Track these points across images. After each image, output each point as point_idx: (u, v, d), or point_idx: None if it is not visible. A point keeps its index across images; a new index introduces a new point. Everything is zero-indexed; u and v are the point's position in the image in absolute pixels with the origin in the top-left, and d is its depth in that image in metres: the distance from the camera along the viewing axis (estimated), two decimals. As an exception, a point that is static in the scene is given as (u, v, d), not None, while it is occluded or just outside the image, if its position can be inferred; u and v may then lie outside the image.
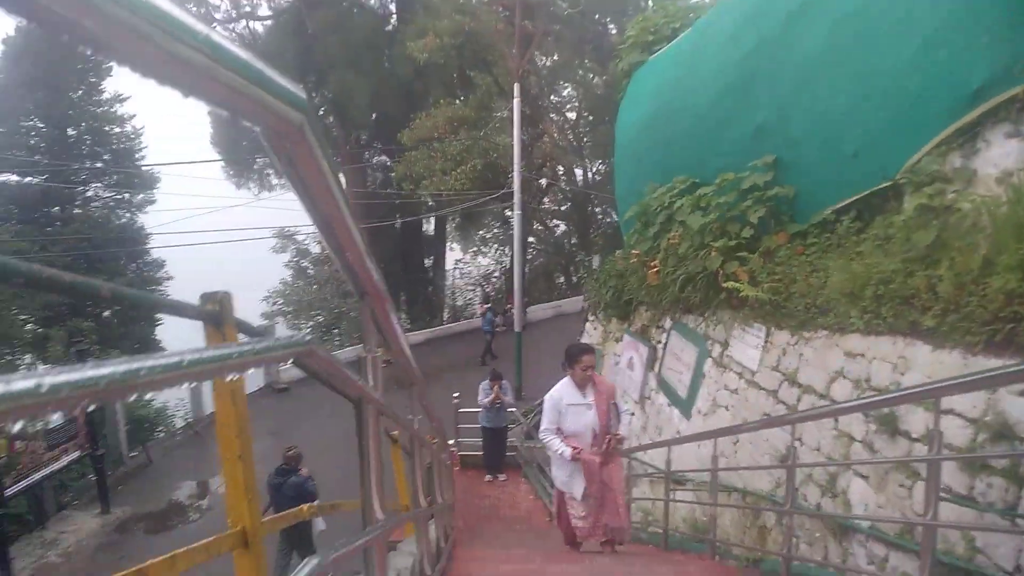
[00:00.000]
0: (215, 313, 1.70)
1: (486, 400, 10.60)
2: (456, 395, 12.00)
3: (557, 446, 4.77)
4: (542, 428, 4.94)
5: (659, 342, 7.98)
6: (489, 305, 19.64)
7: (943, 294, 3.56)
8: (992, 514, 2.96)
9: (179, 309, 1.56)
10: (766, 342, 5.47)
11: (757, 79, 6.24)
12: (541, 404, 14.64)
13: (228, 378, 0.86)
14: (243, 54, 0.67)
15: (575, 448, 4.68)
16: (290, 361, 1.10)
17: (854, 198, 5.10)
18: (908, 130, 4.58)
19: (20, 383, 0.43)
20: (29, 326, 18.34)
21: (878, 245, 4.44)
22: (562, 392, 4.89)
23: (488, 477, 11.45)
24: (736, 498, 5.54)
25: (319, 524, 6.94)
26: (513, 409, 11.49)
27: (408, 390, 3.29)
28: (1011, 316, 3.09)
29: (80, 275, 1.17)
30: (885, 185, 4.74)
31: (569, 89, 26.91)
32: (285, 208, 22.71)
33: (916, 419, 3.58)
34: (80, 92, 22.76)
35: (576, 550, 5.40)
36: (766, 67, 6.14)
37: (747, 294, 5.59)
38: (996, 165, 3.87)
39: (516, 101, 15.23)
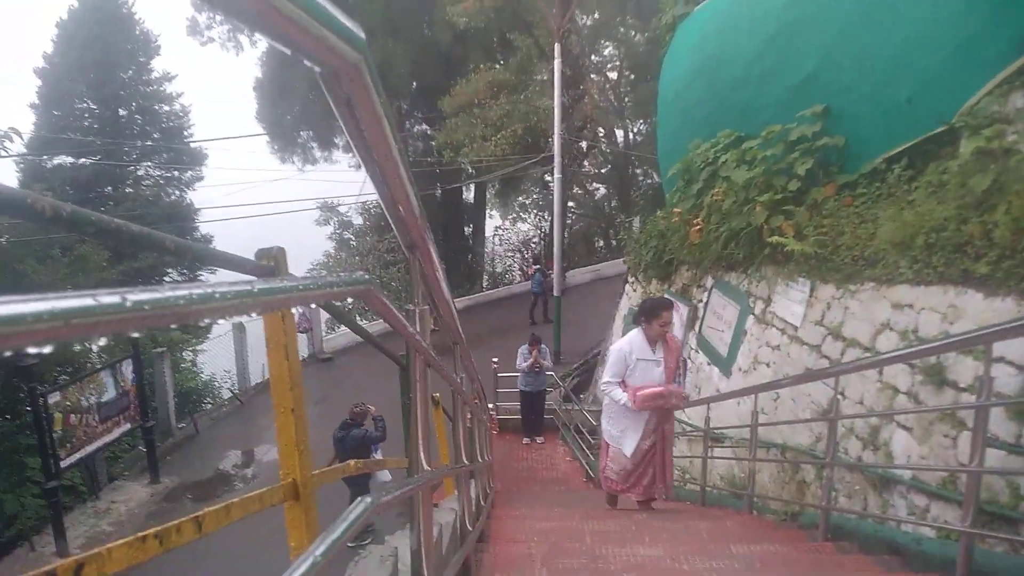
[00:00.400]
0: (270, 268, 1.73)
1: (525, 364, 10.65)
2: (495, 359, 12.08)
3: (621, 395, 4.69)
4: (604, 380, 4.85)
5: (700, 301, 7.87)
6: (539, 266, 19.54)
7: (999, 240, 3.41)
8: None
9: (236, 263, 1.59)
10: (811, 296, 5.34)
11: (803, 26, 6.00)
12: (583, 365, 14.91)
13: (293, 310, 0.87)
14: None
15: (653, 391, 4.61)
16: (349, 300, 1.11)
17: (907, 145, 4.91)
18: (965, 72, 4.37)
19: (107, 298, 0.44)
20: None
21: (931, 192, 4.27)
22: (632, 345, 4.78)
23: (526, 440, 11.57)
24: (775, 454, 5.48)
25: (385, 475, 7.34)
26: (551, 373, 11.52)
27: (452, 350, 3.30)
28: (1071, 259, 2.95)
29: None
30: (941, 130, 4.54)
31: (611, 48, 26.31)
32: (328, 180, 23.01)
33: (964, 368, 3.46)
34: (130, 72, 23.30)
35: (614, 507, 5.41)
36: (812, 14, 5.91)
37: (792, 248, 5.45)
38: (1060, 104, 3.66)
39: (557, 62, 14.96)
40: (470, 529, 3.01)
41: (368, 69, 0.89)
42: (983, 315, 3.41)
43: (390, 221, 1.57)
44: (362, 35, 0.82)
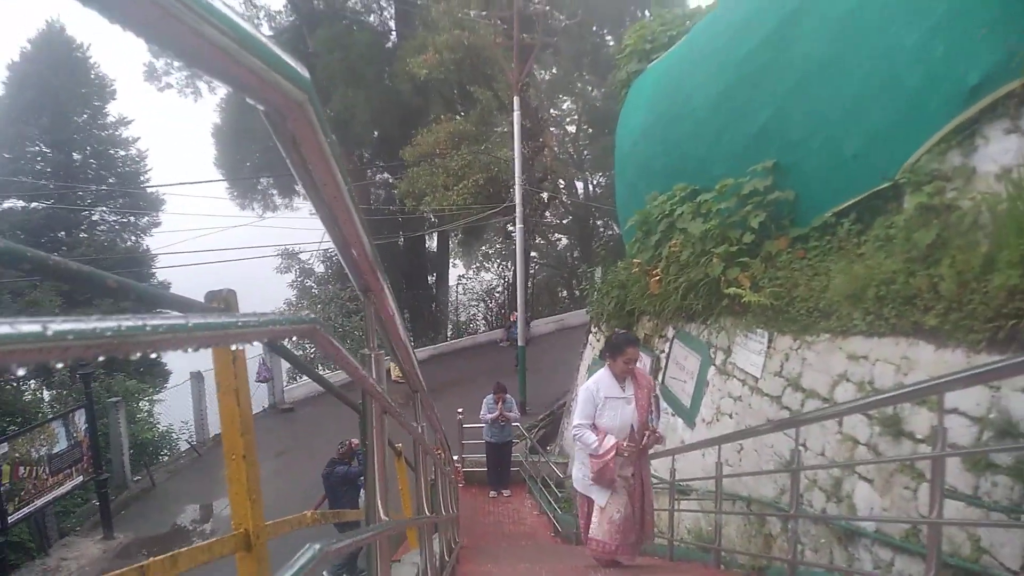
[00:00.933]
0: (220, 311, 1.68)
1: (490, 415, 10.52)
2: (460, 411, 11.93)
3: (592, 440, 4.41)
4: (575, 423, 4.58)
5: (662, 351, 7.92)
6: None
7: (945, 293, 3.52)
8: (998, 512, 2.90)
9: (184, 305, 1.54)
10: (769, 347, 5.41)
11: (755, 82, 6.22)
12: (549, 415, 14.80)
13: (233, 347, 0.84)
14: (248, 26, 0.66)
15: (617, 443, 4.33)
16: (293, 337, 1.08)
17: (854, 200, 5.07)
18: (907, 129, 4.55)
19: (27, 327, 0.43)
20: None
21: (879, 246, 4.41)
22: (599, 383, 4.53)
23: (492, 493, 11.36)
24: (741, 506, 5.46)
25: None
26: (517, 424, 11.41)
27: (413, 398, 3.23)
28: (1013, 312, 3.04)
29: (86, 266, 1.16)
30: (885, 185, 4.71)
31: (568, 102, 27.06)
32: (289, 227, 22.85)
33: (920, 419, 3.52)
34: (85, 116, 23.01)
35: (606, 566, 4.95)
36: (764, 70, 6.12)
37: (749, 300, 5.55)
38: (995, 161, 3.83)
39: (516, 114, 15.28)
40: (433, 589, 2.90)
41: (313, 107, 0.88)
42: (935, 366, 3.49)
43: (344, 264, 1.55)
44: (306, 74, 0.82)
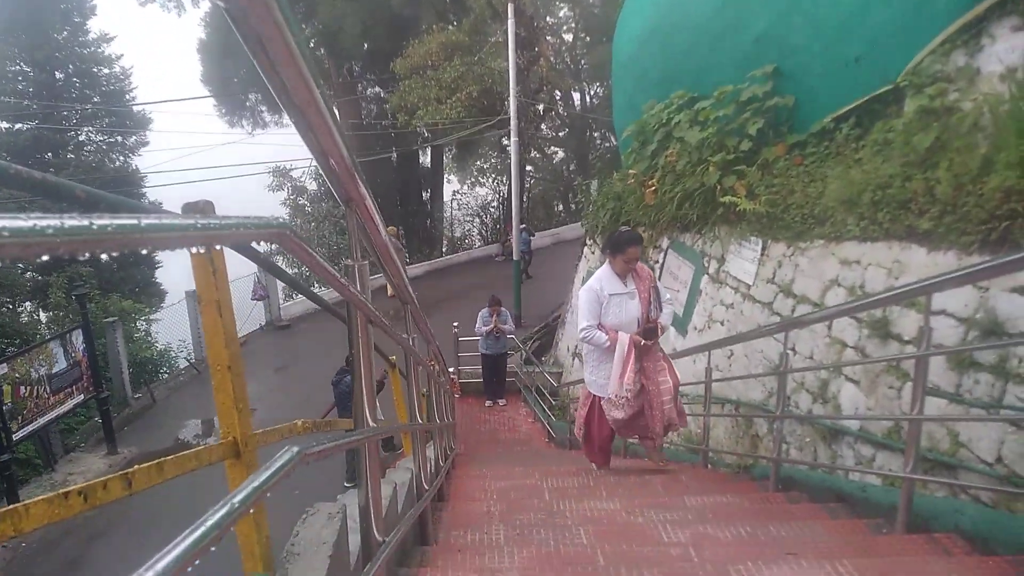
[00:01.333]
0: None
1: (484, 329, 10.66)
2: (455, 324, 12.07)
3: (603, 339, 4.39)
4: (581, 326, 4.49)
5: (656, 262, 7.95)
6: (524, 225, 19.77)
7: (941, 196, 3.50)
8: (978, 408, 2.99)
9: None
10: (762, 255, 5.43)
11: (757, -15, 5.98)
12: (543, 328, 14.99)
13: (194, 250, 0.82)
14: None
15: (633, 336, 4.35)
16: (263, 241, 1.05)
17: (854, 104, 4.97)
18: (911, 30, 4.41)
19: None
20: (29, 274, 18.26)
21: (877, 151, 4.35)
22: (602, 282, 4.47)
23: (488, 403, 11.66)
24: (730, 409, 5.62)
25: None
26: (512, 336, 11.58)
27: (403, 310, 3.24)
28: (1007, 213, 3.04)
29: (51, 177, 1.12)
30: (886, 89, 4.61)
31: (565, 9, 26.02)
32: (280, 144, 22.38)
33: (908, 321, 3.57)
34: (65, 33, 22.03)
35: (604, 464, 5.18)
36: (766, -29, 5.87)
37: (744, 207, 5.53)
38: (1001, 61, 3.73)
39: (511, 23, 14.70)
40: (426, 488, 3.02)
41: (278, 2, 0.84)
42: (926, 269, 3.51)
43: (323, 174, 1.51)
44: None
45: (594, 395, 4.75)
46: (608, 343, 4.38)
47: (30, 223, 0.48)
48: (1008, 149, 3.14)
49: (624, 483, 4.75)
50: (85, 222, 0.53)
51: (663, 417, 4.53)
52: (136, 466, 1.49)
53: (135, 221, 0.61)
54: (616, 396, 4.50)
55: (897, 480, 3.15)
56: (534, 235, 20.57)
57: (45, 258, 0.51)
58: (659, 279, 7.70)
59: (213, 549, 0.65)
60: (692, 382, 5.99)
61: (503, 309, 10.82)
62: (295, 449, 1.00)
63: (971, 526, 2.52)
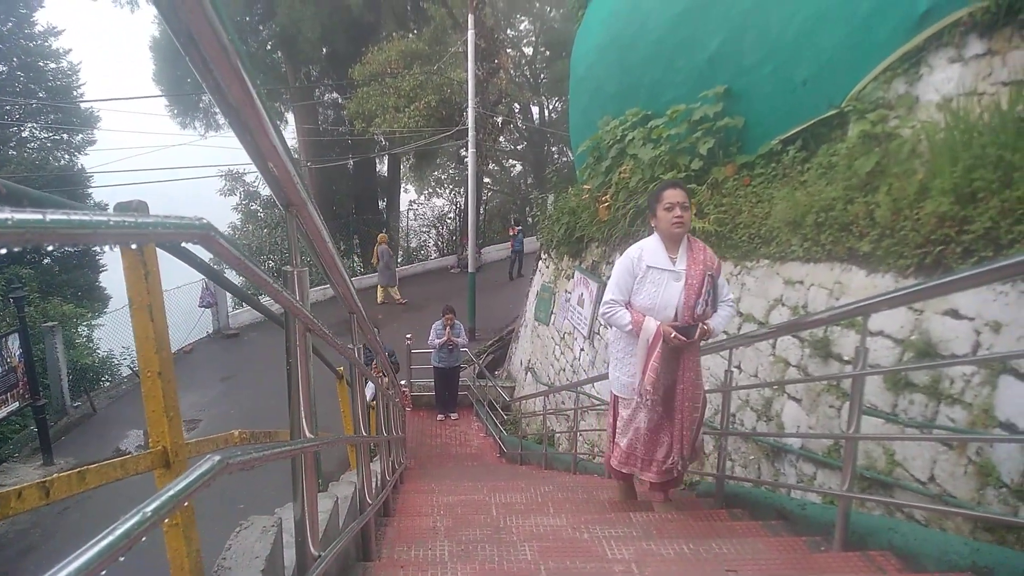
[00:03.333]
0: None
1: (438, 341, 10.57)
2: (408, 336, 11.96)
3: (626, 320, 3.49)
4: (605, 299, 3.62)
5: (607, 277, 8.00)
6: (520, 228, 20.45)
7: (880, 220, 3.59)
8: (912, 428, 3.06)
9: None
10: (710, 273, 5.50)
11: (710, 5, 6.10)
12: (498, 341, 14.96)
13: (108, 248, 0.79)
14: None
15: (662, 326, 3.39)
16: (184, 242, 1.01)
17: (801, 127, 5.09)
18: (856, 56, 4.55)
19: None
20: (-35, 275, 17.47)
21: (821, 173, 4.46)
22: (643, 250, 3.53)
23: (440, 416, 11.55)
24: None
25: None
26: (466, 349, 11.51)
27: (349, 320, 3.17)
28: (941, 238, 3.13)
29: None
30: (831, 113, 4.73)
31: (526, 23, 26.31)
32: (232, 148, 21.92)
33: (848, 341, 3.65)
34: (10, 24, 21.22)
35: (631, 498, 4.25)
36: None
37: (694, 226, 5.59)
38: (938, 91, 3.87)
39: (471, 33, 14.75)
40: (369, 502, 2.94)
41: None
42: (865, 291, 3.59)
43: (263, 177, 1.46)
44: None
45: (619, 397, 3.80)
46: (631, 326, 3.48)
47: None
48: (943, 176, 3.24)
49: (572, 499, 4.74)
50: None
51: (689, 439, 3.56)
52: (56, 474, 1.41)
53: (39, 216, 0.58)
54: (638, 394, 3.54)
55: (835, 498, 3.20)
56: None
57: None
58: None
59: (122, 559, 0.62)
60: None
61: (457, 322, 10.76)
62: (217, 457, 0.94)
63: (904, 543, 2.57)
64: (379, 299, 18.10)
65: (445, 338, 10.52)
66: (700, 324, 3.42)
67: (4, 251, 0.57)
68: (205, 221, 0.99)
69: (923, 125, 3.73)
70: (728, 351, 4.02)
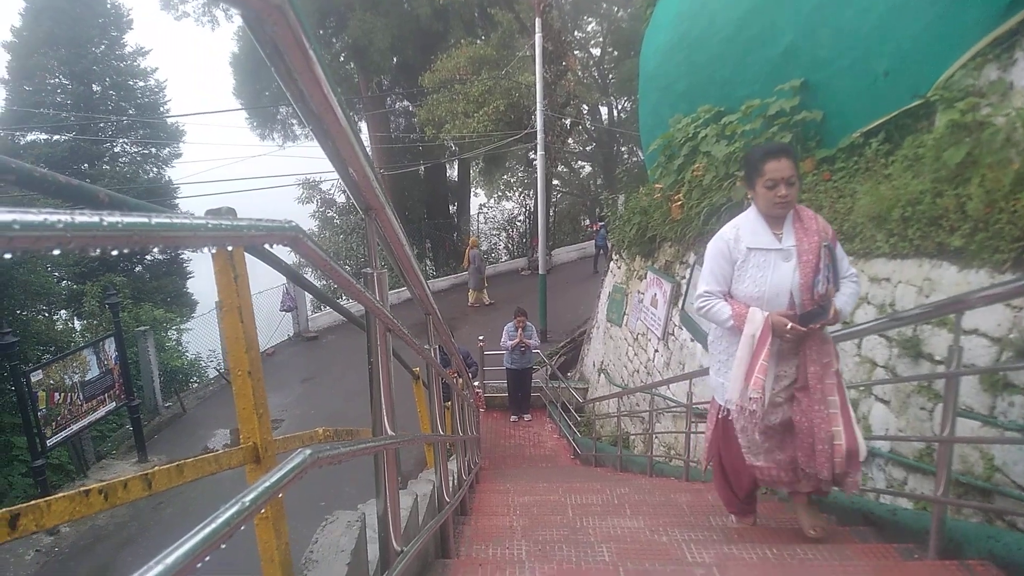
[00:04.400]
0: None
1: (510, 343, 10.66)
2: (481, 338, 12.11)
3: (726, 313, 2.92)
4: (699, 292, 3.04)
5: (683, 278, 7.89)
6: (603, 222, 20.25)
7: (972, 212, 3.42)
8: (1013, 431, 2.90)
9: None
10: (790, 272, 5.36)
11: (780, 1, 5.95)
12: (569, 343, 14.95)
13: (205, 250, 0.85)
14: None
15: (773, 316, 2.80)
16: (275, 244, 1.08)
17: (884, 119, 4.90)
18: (941, 45, 4.35)
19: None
20: (64, 283, 18.72)
21: (907, 166, 4.28)
22: (739, 229, 2.96)
23: (513, 418, 11.63)
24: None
25: None
26: (538, 351, 11.55)
27: (425, 321, 3.26)
28: (1042, 231, 2.96)
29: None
30: (916, 103, 4.53)
31: (593, 24, 26.20)
32: (309, 157, 22.77)
33: (939, 341, 3.49)
34: (102, 47, 22.77)
35: (746, 517, 3.53)
36: (793, -16, 5.84)
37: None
38: (1034, 75, 3.66)
39: (538, 36, 14.81)
40: (447, 500, 3.02)
41: (293, 9, 0.86)
42: (957, 287, 3.43)
43: (343, 183, 1.53)
44: None
45: (722, 407, 3.19)
46: (733, 321, 2.90)
47: (40, 217, 0.49)
48: (1042, 165, 3.07)
49: (649, 501, 4.71)
50: (95, 218, 0.54)
51: (828, 455, 2.84)
52: (156, 467, 1.52)
53: (145, 219, 0.62)
54: (739, 406, 2.95)
55: (929, 504, 3.07)
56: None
57: (56, 252, 0.52)
58: (686, 295, 7.65)
59: (223, 546, 0.66)
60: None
61: (529, 323, 10.82)
62: (308, 451, 1.01)
63: (1005, 553, 2.45)
64: (471, 301, 18.34)
65: (517, 340, 10.60)
66: (825, 307, 2.81)
67: (116, 252, 0.61)
68: (294, 224, 1.06)
69: (1018, 112, 3.53)
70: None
